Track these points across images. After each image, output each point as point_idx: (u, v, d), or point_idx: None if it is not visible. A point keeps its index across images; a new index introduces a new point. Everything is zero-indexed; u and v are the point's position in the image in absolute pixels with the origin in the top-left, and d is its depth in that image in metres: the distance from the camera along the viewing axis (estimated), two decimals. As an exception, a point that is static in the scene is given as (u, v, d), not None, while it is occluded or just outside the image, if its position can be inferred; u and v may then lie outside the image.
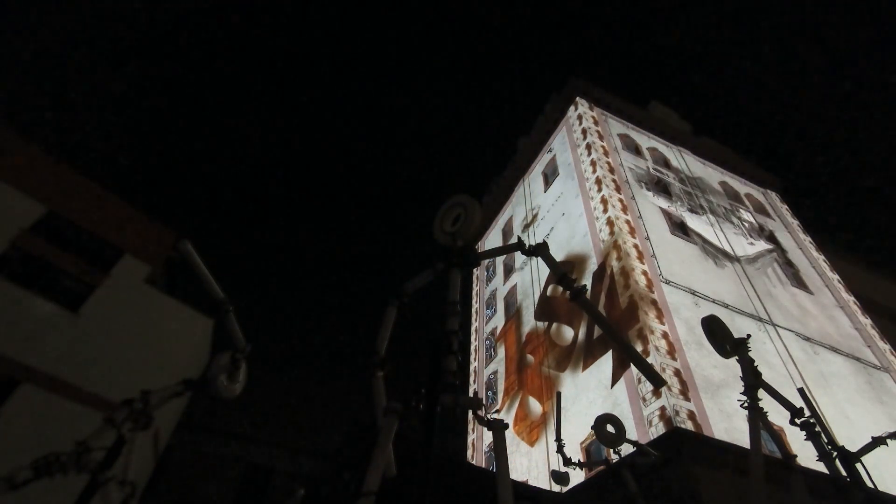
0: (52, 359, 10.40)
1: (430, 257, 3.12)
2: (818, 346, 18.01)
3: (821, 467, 3.71)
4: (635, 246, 17.67)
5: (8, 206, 11.48)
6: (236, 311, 3.94)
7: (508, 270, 26.68)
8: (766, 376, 3.95)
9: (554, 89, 30.18)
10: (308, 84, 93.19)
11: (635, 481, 6.17)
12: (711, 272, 18.93)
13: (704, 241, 20.68)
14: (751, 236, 23.32)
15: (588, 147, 23.31)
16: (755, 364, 3.93)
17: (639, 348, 13.87)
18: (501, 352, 23.49)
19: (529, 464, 17.27)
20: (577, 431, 14.91)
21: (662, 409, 12.36)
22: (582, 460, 11.99)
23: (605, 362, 15.29)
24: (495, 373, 23.36)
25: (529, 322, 21.74)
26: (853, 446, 3.81)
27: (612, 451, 6.92)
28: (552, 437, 12.56)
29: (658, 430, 12.01)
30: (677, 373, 13.30)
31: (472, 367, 26.35)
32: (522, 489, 12.50)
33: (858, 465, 3.61)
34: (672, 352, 13.91)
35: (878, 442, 4.16)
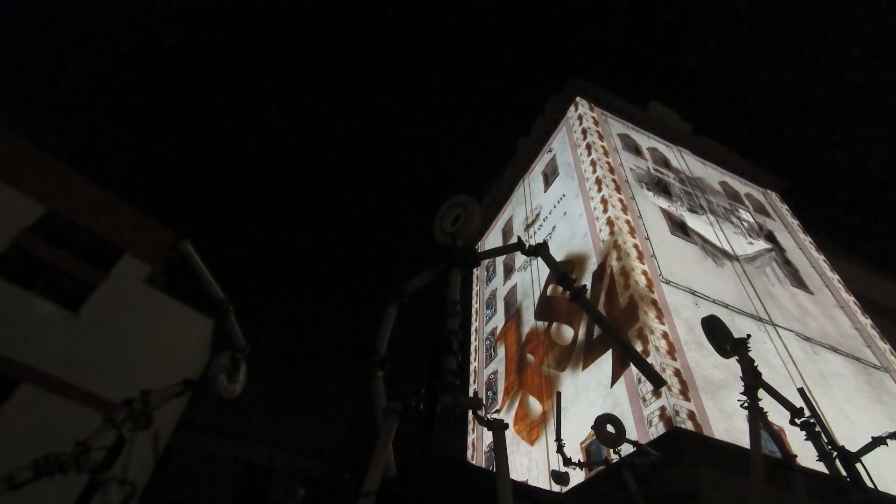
0: (52, 359, 10.40)
1: (430, 257, 3.12)
2: (818, 346, 18.01)
3: (821, 467, 3.71)
4: (635, 246, 17.67)
5: (8, 206, 11.48)
6: (236, 311, 3.94)
7: (508, 270, 26.67)
8: (766, 376, 3.95)
9: (554, 89, 30.20)
10: (308, 84, 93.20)
11: (635, 481, 6.17)
12: (711, 272, 18.94)
13: (704, 240, 20.69)
14: (750, 236, 23.32)
15: (588, 147, 23.31)
16: (755, 364, 3.93)
17: (639, 348, 13.87)
18: (501, 352, 23.49)
19: (529, 464, 17.27)
20: (577, 431, 14.91)
21: (662, 409, 12.36)
22: (582, 460, 12.00)
23: (605, 362, 15.29)
24: (495, 373, 23.36)
25: (529, 322, 21.74)
26: (853, 446, 3.81)
27: (612, 451, 6.93)
28: (552, 436, 12.56)
29: (658, 430, 12.01)
30: (677, 373, 13.30)
31: (472, 367, 26.35)
32: (522, 489, 12.51)
33: (858, 465, 3.62)
34: (672, 352, 13.91)
35: (878, 442, 4.16)
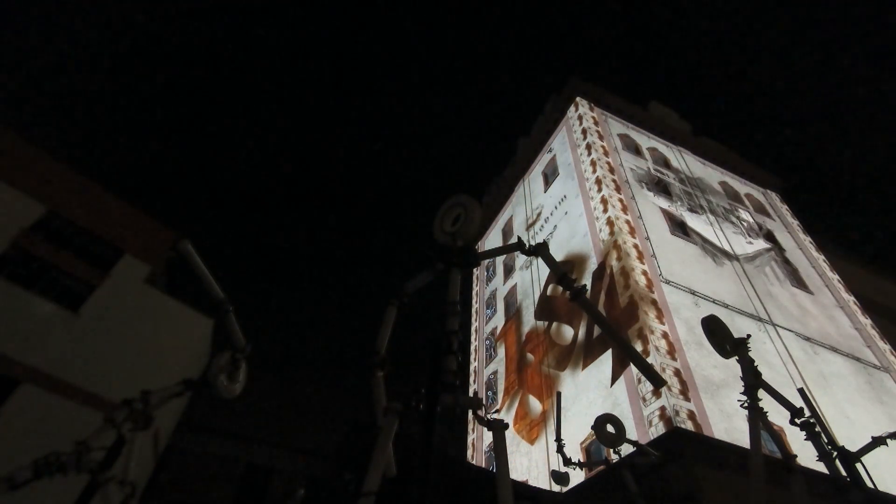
0: (52, 359, 10.40)
1: (430, 257, 3.12)
2: (818, 346, 18.01)
3: (821, 467, 3.71)
4: (635, 246, 17.67)
5: (8, 206, 11.47)
6: (236, 311, 3.94)
7: (508, 270, 26.67)
8: (766, 376, 3.95)
9: (554, 89, 30.20)
10: (308, 84, 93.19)
11: (635, 481, 6.17)
12: (711, 272, 18.93)
13: (704, 240, 20.69)
14: (749, 236, 23.32)
15: (588, 147, 23.30)
16: (755, 364, 3.93)
17: (639, 348, 13.86)
18: (501, 352, 23.49)
19: (529, 464, 17.27)
20: (577, 431, 14.91)
21: (662, 409, 12.36)
22: (582, 460, 12.00)
23: (605, 361, 15.29)
24: (495, 373, 23.36)
25: (529, 322, 21.74)
26: (853, 446, 3.81)
27: (612, 451, 6.93)
28: (552, 436, 12.56)
29: (658, 430, 12.01)
30: (677, 373, 13.30)
31: (472, 367, 26.34)
32: (522, 489, 12.50)
33: (858, 465, 3.62)
34: (672, 352, 13.91)
35: (878, 442, 4.16)
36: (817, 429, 3.76)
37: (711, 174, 27.73)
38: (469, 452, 22.41)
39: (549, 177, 26.65)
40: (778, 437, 4.31)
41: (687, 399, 12.59)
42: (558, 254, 21.30)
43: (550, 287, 20.62)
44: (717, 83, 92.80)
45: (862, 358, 18.73)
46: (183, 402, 13.44)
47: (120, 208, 13.65)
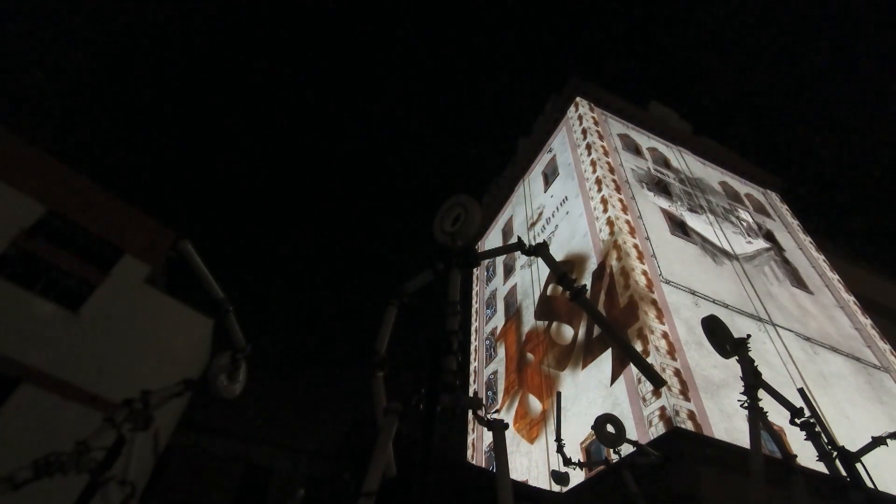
0: (52, 359, 10.40)
1: (430, 257, 3.11)
2: (818, 346, 18.01)
3: (821, 467, 3.70)
4: (635, 246, 17.67)
5: (8, 206, 11.47)
6: (236, 311, 3.94)
7: (508, 270, 26.67)
8: (766, 376, 3.95)
9: (554, 89, 30.20)
10: (308, 83, 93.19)
11: (635, 481, 6.17)
12: (711, 272, 18.93)
13: (704, 239, 20.69)
14: (749, 235, 23.33)
15: (588, 147, 23.30)
16: (755, 364, 3.93)
17: (639, 348, 13.86)
18: (501, 352, 23.49)
19: (529, 464, 17.27)
20: (577, 431, 14.91)
21: (662, 409, 12.36)
22: (582, 460, 12.00)
23: (605, 361, 15.29)
24: (495, 373, 23.36)
25: (529, 322, 21.74)
26: (853, 446, 3.81)
27: (612, 451, 6.93)
28: (552, 436, 12.56)
29: (658, 430, 12.01)
30: (677, 373, 13.30)
31: (472, 367, 26.34)
32: (522, 489, 12.50)
33: (858, 465, 3.61)
34: (672, 352, 13.91)
35: (878, 442, 4.16)
36: (817, 429, 3.76)
37: (711, 174, 27.73)
38: (469, 452, 22.41)
39: (549, 177, 26.65)
40: (778, 437, 4.31)
41: (687, 399, 12.59)
42: (558, 254, 21.30)
43: (550, 287, 20.62)
44: (717, 83, 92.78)
45: (862, 358, 18.72)
46: (183, 402, 13.43)
47: (120, 208, 13.65)
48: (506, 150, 43.59)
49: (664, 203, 21.79)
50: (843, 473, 3.58)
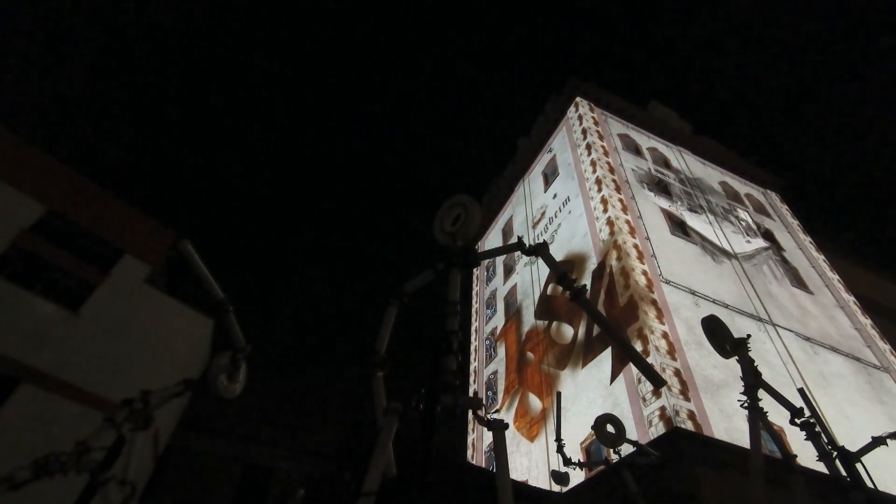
0: (52, 359, 10.40)
1: (430, 257, 3.11)
2: (818, 346, 18.01)
3: (821, 467, 3.70)
4: (635, 246, 17.67)
5: (8, 206, 11.47)
6: (236, 312, 3.94)
7: (508, 270, 26.68)
8: (766, 376, 3.95)
9: (554, 89, 30.18)
10: (308, 83, 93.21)
11: (635, 481, 6.17)
12: (711, 272, 18.93)
13: (704, 239, 20.70)
14: (748, 235, 23.34)
15: (588, 147, 23.30)
16: (755, 364, 3.93)
17: (639, 348, 13.86)
18: (501, 352, 23.49)
19: (529, 464, 17.28)
20: (577, 431, 14.91)
21: (662, 409, 12.37)
22: (582, 460, 12.00)
23: (605, 361, 15.29)
24: (495, 373, 23.36)
25: (529, 321, 21.74)
26: (853, 446, 3.81)
27: (612, 451, 6.92)
28: (552, 436, 12.57)
29: (658, 430, 12.01)
30: (677, 373, 13.30)
31: (472, 367, 26.34)
32: (522, 489, 12.51)
33: (858, 465, 3.61)
34: (672, 352, 13.91)
35: (878, 442, 4.16)
36: (817, 429, 3.76)
37: (711, 174, 27.73)
38: (469, 452, 22.41)
39: (549, 177, 26.65)
40: (778, 437, 4.31)
41: (687, 399, 12.60)
42: (558, 254, 21.30)
43: (550, 287, 20.62)
44: (718, 83, 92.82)
45: (862, 358, 18.73)
46: (183, 402, 13.44)
47: (120, 208, 13.65)
48: (506, 150, 43.60)
49: (664, 203, 21.79)
50: (843, 473, 3.58)
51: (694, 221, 21.62)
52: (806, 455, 4.23)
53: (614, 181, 21.08)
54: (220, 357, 3.82)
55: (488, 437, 20.55)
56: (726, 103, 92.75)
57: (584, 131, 24.47)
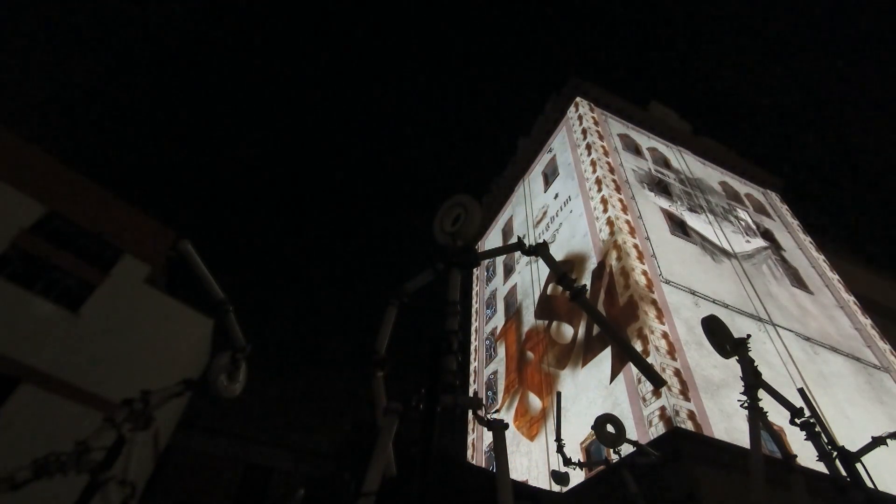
0: (52, 359, 10.40)
1: (430, 257, 3.11)
2: (818, 346, 18.01)
3: (821, 467, 3.70)
4: (635, 246, 17.67)
5: (8, 206, 11.47)
6: (236, 311, 3.94)
7: (508, 270, 26.67)
8: (766, 376, 3.95)
9: (554, 89, 30.18)
10: (308, 84, 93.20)
11: (635, 481, 6.17)
12: (711, 272, 18.93)
13: (704, 238, 20.70)
14: (747, 235, 23.34)
15: (588, 147, 23.30)
16: (755, 364, 3.93)
17: (639, 348, 13.86)
18: (501, 351, 23.49)
19: (529, 464, 17.27)
20: (577, 431, 14.91)
21: (662, 409, 12.36)
22: (582, 460, 12.00)
23: (605, 361, 15.29)
24: (495, 373, 23.36)
25: (529, 321, 21.74)
26: (853, 446, 3.81)
27: (612, 451, 6.92)
28: (552, 436, 12.57)
29: (658, 430, 12.01)
30: (677, 373, 13.30)
31: (472, 367, 26.34)
32: (522, 489, 12.49)
33: (858, 465, 3.61)
34: (672, 352, 13.91)
35: (878, 442, 4.16)
36: (817, 429, 3.76)
37: (711, 174, 27.73)
38: (469, 452, 22.41)
39: (549, 177, 26.65)
40: (778, 437, 4.31)
41: (687, 399, 12.59)
42: (559, 253, 21.30)
43: (550, 286, 20.62)
44: (718, 83, 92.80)
45: (862, 358, 18.72)
46: (183, 402, 13.44)
47: (120, 208, 13.65)
48: (506, 150, 43.61)
49: (664, 203, 21.79)
50: (843, 473, 3.58)
51: (694, 221, 21.62)
52: (806, 455, 4.23)
53: (614, 181, 21.07)
54: (220, 357, 3.82)
55: (488, 437, 20.54)
56: (726, 103, 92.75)
57: (584, 131, 24.46)
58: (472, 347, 27.42)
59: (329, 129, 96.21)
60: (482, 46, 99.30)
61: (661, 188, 22.97)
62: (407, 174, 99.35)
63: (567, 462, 7.02)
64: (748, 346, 4.04)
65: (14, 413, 9.55)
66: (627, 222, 18.77)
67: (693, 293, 16.96)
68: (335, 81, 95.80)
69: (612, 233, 18.26)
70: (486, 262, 29.50)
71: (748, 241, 22.64)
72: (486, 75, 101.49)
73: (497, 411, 21.10)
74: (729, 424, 12.46)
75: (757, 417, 3.63)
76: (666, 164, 25.85)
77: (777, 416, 4.34)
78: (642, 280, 16.17)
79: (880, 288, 28.82)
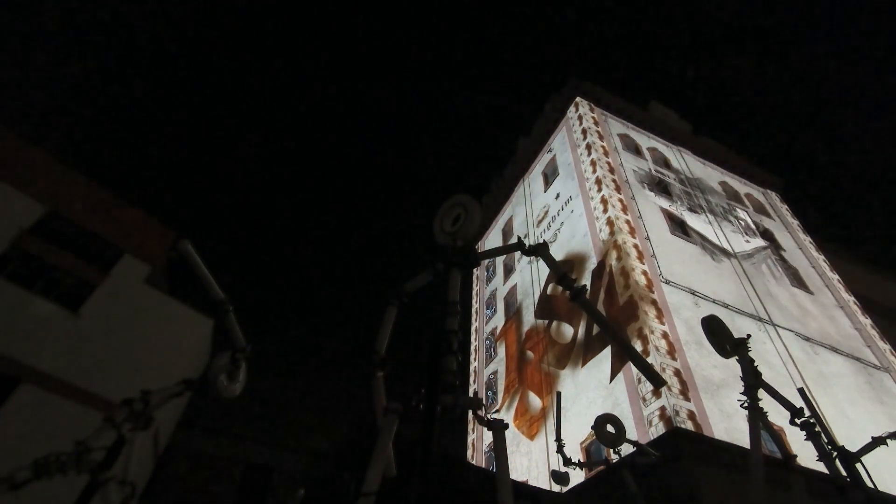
0: (52, 359, 10.39)
1: (430, 257, 3.11)
2: (818, 346, 18.01)
3: (821, 467, 3.70)
4: (635, 246, 17.66)
5: (8, 206, 11.47)
6: (236, 311, 3.94)
7: (508, 270, 26.67)
8: (766, 376, 3.95)
9: (554, 89, 30.19)
10: (308, 84, 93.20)
11: (635, 481, 6.17)
12: (711, 272, 18.93)
13: (703, 238, 20.71)
14: (747, 234, 23.34)
15: (588, 147, 23.30)
16: (755, 364, 3.93)
17: (639, 348, 13.86)
18: (501, 351, 23.49)
19: (529, 464, 17.27)
20: (577, 431, 14.91)
21: (662, 409, 12.36)
22: (582, 460, 12.01)
23: (605, 361, 15.29)
24: (495, 373, 23.36)
25: (529, 321, 21.74)
26: (853, 446, 3.81)
27: (612, 451, 6.93)
28: (552, 435, 12.57)
29: (658, 430, 12.01)
30: (677, 373, 13.30)
31: (472, 367, 26.34)
32: (522, 489, 12.49)
33: (858, 465, 3.61)
34: (672, 352, 13.91)
35: (878, 442, 4.16)
36: (817, 429, 3.76)
37: (711, 174, 27.73)
38: (469, 452, 22.41)
39: (549, 177, 26.65)
40: (778, 437, 4.31)
41: (687, 399, 12.59)
42: (559, 253, 21.30)
43: (550, 286, 20.62)
44: (718, 83, 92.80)
45: (862, 358, 18.72)
46: (183, 402, 13.43)
47: (120, 208, 13.64)
48: (506, 150, 43.63)
49: (664, 203, 21.78)
50: (843, 473, 3.58)
51: (694, 221, 21.62)
52: (806, 455, 4.23)
53: (614, 181, 21.07)
54: (220, 357, 3.82)
55: (488, 437, 20.54)
56: (726, 103, 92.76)
57: (584, 131, 24.46)
58: (472, 347, 27.43)
59: (329, 129, 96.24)
60: (482, 46, 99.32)
61: (661, 188, 22.97)
62: (407, 174, 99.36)
63: (567, 462, 7.02)
64: (748, 346, 4.04)
65: (14, 413, 9.55)
66: (627, 222, 18.77)
67: (693, 293, 16.96)
68: (335, 81, 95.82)
69: (612, 233, 18.26)
70: (486, 262, 29.50)
71: (748, 241, 22.64)
72: (486, 75, 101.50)
73: (497, 411, 21.10)
74: (729, 424, 12.46)
75: (757, 417, 3.63)
76: (666, 164, 25.84)
77: (777, 416, 4.34)
78: (642, 280, 16.17)
79: (880, 288, 28.82)
